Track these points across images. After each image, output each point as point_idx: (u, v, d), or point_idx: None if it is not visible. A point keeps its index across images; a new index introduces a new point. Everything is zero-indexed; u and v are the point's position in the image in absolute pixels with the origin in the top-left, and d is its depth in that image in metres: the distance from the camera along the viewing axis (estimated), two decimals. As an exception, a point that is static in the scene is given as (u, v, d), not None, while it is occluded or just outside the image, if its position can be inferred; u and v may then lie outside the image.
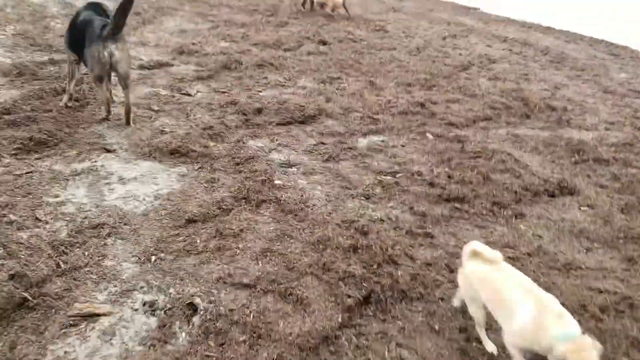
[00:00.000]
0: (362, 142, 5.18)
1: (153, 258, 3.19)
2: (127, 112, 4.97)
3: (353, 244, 3.41)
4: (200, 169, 4.35)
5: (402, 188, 4.32)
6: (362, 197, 4.14)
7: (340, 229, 3.60)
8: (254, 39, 8.68)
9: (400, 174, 4.55)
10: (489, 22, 12.39)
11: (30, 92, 5.36)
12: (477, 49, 9.40)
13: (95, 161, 4.31)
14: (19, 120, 4.70)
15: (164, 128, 5.04)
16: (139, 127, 5.02)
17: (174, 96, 5.90)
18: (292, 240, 3.48)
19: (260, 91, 6.38)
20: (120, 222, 3.50)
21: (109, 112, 5.08)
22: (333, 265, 3.21)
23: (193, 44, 8.05)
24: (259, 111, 5.58)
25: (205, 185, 4.10)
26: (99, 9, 5.12)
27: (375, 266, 3.24)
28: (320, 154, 4.84)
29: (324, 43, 8.75)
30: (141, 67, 6.74)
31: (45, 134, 4.51)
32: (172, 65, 7.01)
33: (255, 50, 7.96)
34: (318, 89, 6.50)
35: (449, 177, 4.53)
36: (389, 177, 4.48)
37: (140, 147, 4.58)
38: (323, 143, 5.06)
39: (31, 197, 3.67)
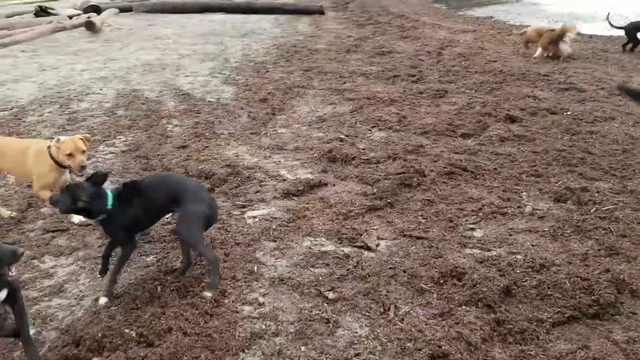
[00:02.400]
0: None
1: None
2: None
3: None
4: None
5: None
6: None
7: None
8: (416, 122, 6.25)
9: None
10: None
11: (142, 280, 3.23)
12: None
13: None
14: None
15: (357, 351, 2.65)
16: (310, 346, 2.67)
17: (348, 256, 3.54)
18: None
19: (472, 228, 3.87)
20: None
21: None
22: None
23: (341, 139, 5.77)
24: (507, 292, 3.03)
25: None
26: None
27: None
28: None
29: (513, 120, 6.10)
30: (286, 194, 4.50)
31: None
32: (327, 184, 4.71)
33: (428, 144, 5.50)
34: (569, 218, 3.86)
35: None
36: None
37: None
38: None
39: None
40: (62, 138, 3.83)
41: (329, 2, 21.04)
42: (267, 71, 9.39)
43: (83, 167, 3.82)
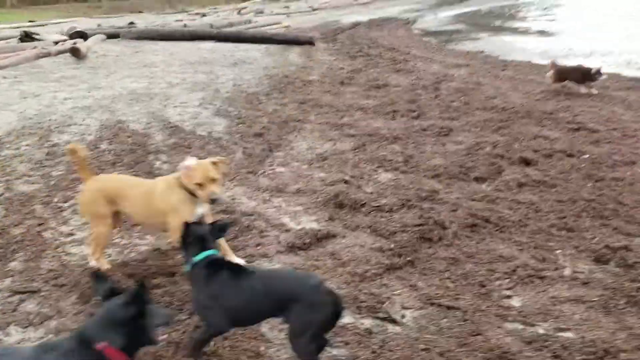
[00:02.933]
0: None
1: None
2: None
3: None
4: None
5: None
6: None
7: None
8: (424, 162, 5.76)
9: None
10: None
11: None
12: None
13: None
14: None
15: None
16: None
17: (370, 332, 2.96)
18: None
19: (508, 295, 3.33)
20: None
21: None
22: None
23: (346, 181, 5.23)
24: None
25: None
26: None
27: None
28: None
29: (527, 162, 5.64)
30: (292, 247, 3.92)
31: None
32: (336, 235, 4.14)
33: (441, 190, 4.99)
34: (618, 285, 3.34)
35: None
36: None
37: None
38: None
39: None
40: (191, 163, 3.16)
41: (318, 33, 20.81)
42: (260, 103, 8.87)
43: (214, 200, 3.18)
